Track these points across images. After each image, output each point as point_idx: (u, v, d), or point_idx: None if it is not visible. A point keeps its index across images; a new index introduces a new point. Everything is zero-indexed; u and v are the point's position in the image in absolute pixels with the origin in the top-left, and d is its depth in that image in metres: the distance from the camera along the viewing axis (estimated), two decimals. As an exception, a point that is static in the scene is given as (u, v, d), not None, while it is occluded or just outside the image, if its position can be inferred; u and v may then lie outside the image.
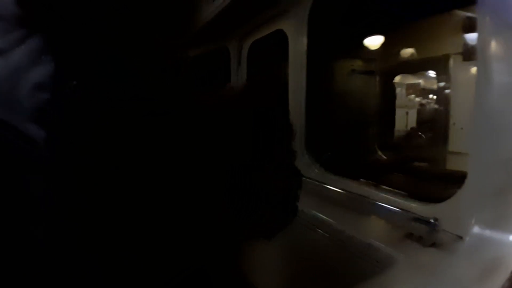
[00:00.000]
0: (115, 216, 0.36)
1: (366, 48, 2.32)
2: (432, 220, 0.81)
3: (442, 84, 2.67)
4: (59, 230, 0.34)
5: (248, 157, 0.47)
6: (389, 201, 0.99)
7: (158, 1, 0.45)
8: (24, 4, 0.37)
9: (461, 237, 0.73)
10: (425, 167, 2.39)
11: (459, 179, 0.80)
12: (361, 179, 1.24)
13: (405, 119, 3.02)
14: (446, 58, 2.46)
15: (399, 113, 2.93)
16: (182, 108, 0.42)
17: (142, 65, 0.40)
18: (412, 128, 2.98)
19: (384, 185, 1.14)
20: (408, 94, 3.08)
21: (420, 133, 2.87)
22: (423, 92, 3.02)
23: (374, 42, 2.34)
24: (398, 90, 2.88)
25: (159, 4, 0.44)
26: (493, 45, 0.73)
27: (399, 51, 2.53)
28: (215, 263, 0.46)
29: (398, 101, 2.86)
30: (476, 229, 0.69)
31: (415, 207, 0.90)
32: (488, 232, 0.68)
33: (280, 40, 1.51)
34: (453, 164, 2.33)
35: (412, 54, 2.52)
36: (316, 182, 1.28)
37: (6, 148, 0.34)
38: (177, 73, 0.45)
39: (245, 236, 0.53)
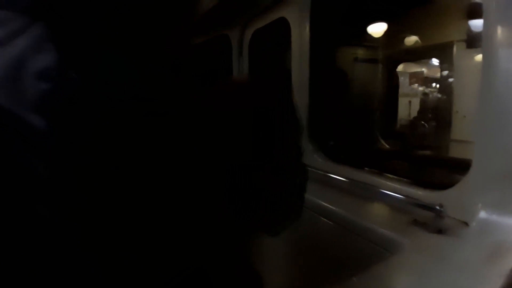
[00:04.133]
0: (115, 216, 0.36)
1: (369, 36, 2.30)
2: (437, 207, 0.81)
3: (445, 72, 2.66)
4: (59, 229, 0.34)
5: (249, 157, 0.47)
6: (394, 189, 1.00)
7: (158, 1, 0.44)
8: None
9: (467, 222, 0.74)
10: (428, 155, 2.39)
11: (461, 166, 0.81)
12: (365, 168, 1.24)
13: (408, 107, 3.02)
14: (449, 45, 2.44)
15: (402, 102, 2.92)
16: (182, 108, 0.42)
17: (142, 65, 0.39)
18: (415, 117, 2.97)
19: (388, 173, 1.15)
20: (411, 82, 3.07)
21: (422, 122, 2.87)
22: (426, 80, 3.01)
23: (377, 29, 2.32)
24: (401, 78, 2.87)
25: (160, 3, 0.44)
26: (500, 32, 0.72)
27: (402, 38, 2.51)
28: (215, 263, 0.46)
29: (401, 90, 2.85)
30: (482, 214, 0.70)
31: (421, 194, 0.91)
32: (494, 217, 0.68)
33: (283, 29, 1.50)
34: (456, 152, 2.33)
35: (415, 42, 2.50)
36: (320, 171, 1.28)
37: (8, 137, 0.34)
38: (177, 73, 0.45)
39: (247, 235, 0.53)
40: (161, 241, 0.39)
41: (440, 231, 0.78)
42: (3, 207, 0.33)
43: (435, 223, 0.80)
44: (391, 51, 2.50)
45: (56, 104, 0.34)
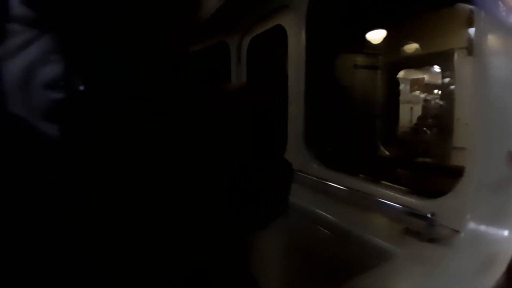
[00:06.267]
0: (115, 216, 0.36)
1: (368, 43, 2.31)
2: (429, 215, 0.80)
3: (446, 79, 2.65)
4: (59, 229, 0.35)
5: (249, 157, 0.47)
6: (388, 197, 0.99)
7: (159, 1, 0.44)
8: (32, 5, 0.38)
9: (458, 232, 0.73)
10: (428, 162, 2.37)
11: (459, 173, 0.80)
12: (361, 175, 1.24)
13: (409, 114, 3.00)
14: (450, 52, 2.43)
15: (403, 109, 2.91)
16: (182, 108, 0.42)
17: (142, 65, 0.40)
18: (416, 124, 2.95)
19: (386, 181, 1.14)
20: (412, 89, 3.05)
21: (424, 128, 2.85)
22: (428, 87, 2.99)
23: (376, 36, 2.32)
24: (402, 85, 2.86)
25: (160, 3, 0.44)
26: (490, 40, 0.72)
27: (402, 45, 2.51)
28: (215, 263, 0.46)
29: (402, 96, 2.84)
30: (471, 225, 0.69)
31: (414, 202, 0.90)
32: (483, 227, 0.67)
33: (280, 35, 1.51)
34: (457, 160, 2.31)
35: (416, 49, 2.49)
36: (315, 178, 1.28)
37: (11, 138, 0.34)
38: (177, 73, 0.45)
39: (247, 235, 0.53)
40: (161, 241, 0.39)
41: (431, 239, 0.78)
42: (4, 207, 0.34)
43: (427, 231, 0.79)
44: (391, 57, 2.50)
45: (62, 109, 0.35)
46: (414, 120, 2.98)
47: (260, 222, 0.55)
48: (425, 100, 3.02)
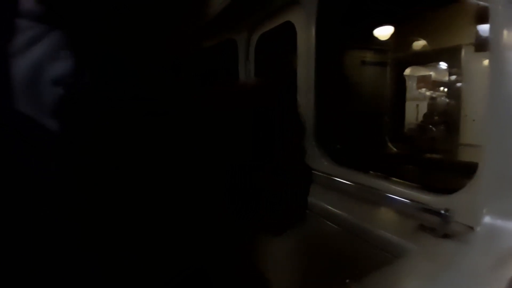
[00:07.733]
0: (115, 216, 0.36)
1: (376, 39, 2.30)
2: (443, 211, 0.80)
3: (453, 75, 2.64)
4: (59, 229, 0.35)
5: (249, 157, 0.47)
6: (401, 193, 0.99)
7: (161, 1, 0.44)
8: (41, 1, 0.38)
9: (472, 228, 0.73)
10: (436, 158, 2.37)
11: (470, 170, 0.80)
12: (372, 172, 1.24)
13: (415, 111, 2.99)
14: (457, 48, 2.42)
15: (410, 106, 2.90)
16: (182, 108, 0.42)
17: (142, 65, 0.39)
18: (423, 121, 2.95)
19: (395, 177, 1.14)
20: (418, 86, 3.04)
21: (431, 125, 2.84)
22: (434, 84, 2.98)
23: (384, 32, 2.31)
24: (409, 82, 2.85)
25: (159, 3, 0.44)
26: (506, 35, 0.72)
27: (409, 41, 2.50)
28: (215, 263, 0.46)
29: (409, 93, 2.83)
30: (487, 219, 0.69)
31: (427, 198, 0.90)
32: (500, 222, 0.67)
33: (289, 32, 1.51)
34: (465, 156, 2.30)
35: (423, 45, 2.48)
36: (326, 175, 1.28)
37: (12, 138, 0.35)
38: (177, 73, 0.45)
39: (247, 235, 0.53)
40: (161, 241, 0.39)
41: (446, 236, 0.78)
42: (4, 207, 0.34)
43: (441, 228, 0.79)
44: (398, 54, 2.49)
45: (60, 109, 0.35)
46: (421, 117, 2.98)
47: (278, 228, 0.55)
48: (432, 97, 3.01)
